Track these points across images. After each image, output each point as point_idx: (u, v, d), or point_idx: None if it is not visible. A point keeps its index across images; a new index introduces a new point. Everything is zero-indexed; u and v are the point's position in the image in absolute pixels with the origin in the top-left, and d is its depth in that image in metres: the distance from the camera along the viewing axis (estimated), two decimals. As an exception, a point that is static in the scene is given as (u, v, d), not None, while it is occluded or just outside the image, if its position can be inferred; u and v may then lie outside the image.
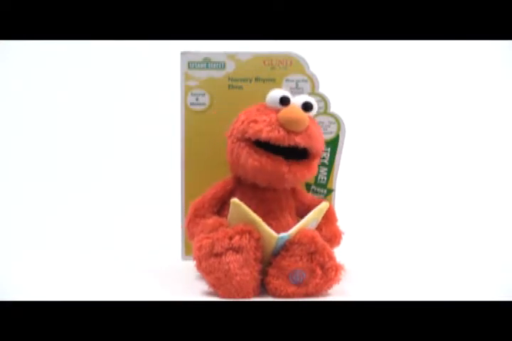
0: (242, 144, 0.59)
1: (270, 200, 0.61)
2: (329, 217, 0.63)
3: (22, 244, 0.76)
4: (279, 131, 0.57)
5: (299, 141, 0.57)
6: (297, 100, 0.60)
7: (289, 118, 0.57)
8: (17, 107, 0.98)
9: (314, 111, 0.61)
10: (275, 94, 0.60)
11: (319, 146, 0.60)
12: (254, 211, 0.56)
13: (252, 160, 0.58)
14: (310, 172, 0.60)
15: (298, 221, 0.61)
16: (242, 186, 0.62)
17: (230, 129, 0.61)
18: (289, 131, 0.57)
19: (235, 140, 0.60)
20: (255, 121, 0.58)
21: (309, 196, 0.66)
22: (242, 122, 0.59)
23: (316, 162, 0.61)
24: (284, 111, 0.58)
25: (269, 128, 0.57)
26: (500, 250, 0.77)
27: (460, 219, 0.89)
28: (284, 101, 0.59)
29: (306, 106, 0.60)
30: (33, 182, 0.95)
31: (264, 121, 0.57)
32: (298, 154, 0.59)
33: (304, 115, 0.58)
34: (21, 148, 0.97)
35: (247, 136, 0.58)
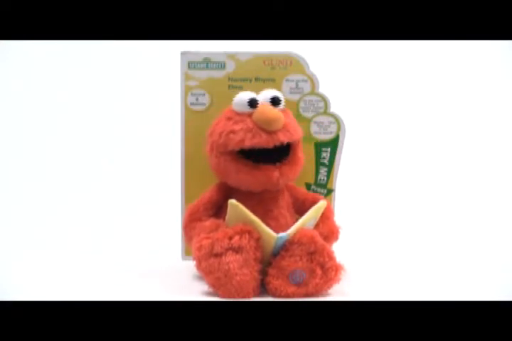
0: (228, 158, 0.58)
1: (267, 200, 0.61)
2: (325, 213, 0.63)
3: (22, 244, 0.76)
4: (261, 135, 0.56)
5: (283, 138, 0.57)
6: (264, 98, 0.59)
7: (266, 120, 0.56)
8: (17, 107, 0.98)
9: (283, 103, 0.60)
10: (242, 97, 0.59)
11: (299, 136, 0.60)
12: (252, 212, 0.56)
13: (244, 175, 0.58)
14: (300, 166, 0.60)
15: (296, 219, 0.61)
16: (237, 189, 0.61)
17: (209, 143, 0.61)
18: (270, 132, 0.57)
19: (218, 154, 0.59)
20: (233, 132, 0.57)
21: (302, 191, 0.65)
22: (220, 135, 0.58)
23: (300, 151, 0.61)
24: (258, 114, 0.57)
25: (250, 135, 0.56)
26: (500, 250, 0.77)
27: (460, 219, 0.89)
28: (253, 103, 0.58)
29: (275, 101, 0.59)
30: (33, 182, 0.95)
31: (242, 129, 0.57)
32: (281, 152, 0.58)
33: (278, 112, 0.57)
34: (21, 148, 0.97)
35: (229, 148, 0.58)
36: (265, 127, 0.57)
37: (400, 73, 0.98)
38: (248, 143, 0.57)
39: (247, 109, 0.58)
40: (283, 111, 0.60)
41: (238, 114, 0.59)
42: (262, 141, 0.56)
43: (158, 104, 0.94)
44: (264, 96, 0.59)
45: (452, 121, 1.00)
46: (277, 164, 0.58)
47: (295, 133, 0.59)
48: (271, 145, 0.57)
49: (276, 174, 0.58)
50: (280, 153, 0.58)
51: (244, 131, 0.57)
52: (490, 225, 0.86)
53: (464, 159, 0.98)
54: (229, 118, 0.59)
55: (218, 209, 0.62)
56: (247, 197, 0.60)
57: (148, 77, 0.96)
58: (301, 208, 0.62)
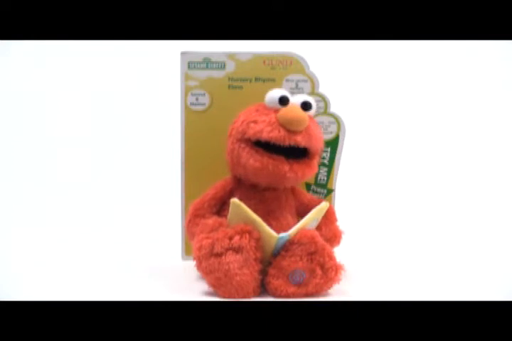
0: (242, 145, 0.59)
1: (270, 200, 0.61)
2: (329, 217, 0.63)
3: (22, 244, 0.76)
4: (279, 131, 0.57)
5: (300, 140, 0.57)
6: (296, 100, 0.60)
7: (290, 118, 0.57)
8: (17, 107, 0.98)
9: (313, 111, 0.61)
10: (274, 94, 0.60)
11: (319, 145, 0.60)
12: (254, 211, 0.56)
13: (253, 161, 0.58)
14: (311, 170, 0.60)
15: (298, 221, 0.61)
16: (242, 186, 0.62)
17: (230, 129, 0.61)
18: (289, 131, 0.57)
19: (234, 140, 0.60)
20: (255, 122, 0.58)
21: (308, 196, 0.66)
22: (242, 123, 0.59)
23: (316, 161, 0.61)
24: (284, 111, 0.57)
25: (269, 128, 0.57)
26: (500, 250, 0.77)
27: (460, 219, 0.89)
28: (284, 101, 0.59)
29: (306, 106, 0.59)
30: (34, 182, 0.95)
31: (264, 121, 0.57)
32: (297, 153, 0.59)
33: (304, 114, 0.58)
34: (21, 148, 0.97)
35: (246, 136, 0.58)
36: (286, 125, 0.57)
37: (400, 73, 0.98)
38: (265, 136, 0.57)
39: (277, 106, 0.59)
40: (311, 117, 0.60)
41: (267, 108, 0.59)
42: (279, 136, 0.56)
43: (158, 104, 0.94)
44: (296, 98, 0.60)
45: (452, 120, 1.00)
46: (290, 160, 0.58)
47: (315, 140, 0.59)
48: (286, 144, 0.57)
49: (286, 167, 0.57)
50: (296, 154, 0.58)
51: (266, 124, 0.57)
52: (490, 225, 0.86)
53: (464, 159, 0.99)
54: (257, 110, 0.59)
55: (222, 206, 0.62)
56: (250, 196, 0.60)
57: (148, 77, 0.96)
58: (305, 213, 0.62)
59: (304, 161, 0.59)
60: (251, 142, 0.58)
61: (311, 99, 0.61)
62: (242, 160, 0.59)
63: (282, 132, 0.57)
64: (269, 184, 0.60)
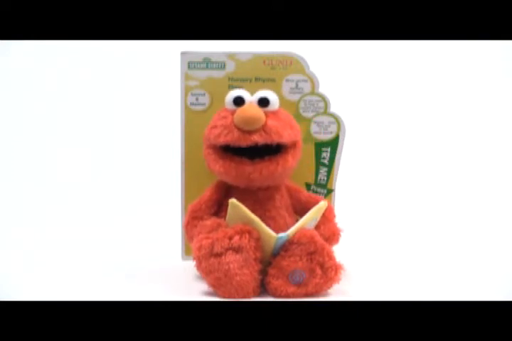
0: (210, 151, 0.59)
1: (264, 200, 0.61)
2: (327, 215, 0.63)
3: (22, 244, 0.76)
4: (234, 133, 0.57)
5: (257, 139, 0.57)
6: (254, 97, 0.60)
7: (241, 119, 0.57)
8: (17, 107, 0.98)
9: (275, 105, 0.60)
10: (230, 95, 0.60)
11: (285, 138, 0.58)
12: (251, 211, 0.56)
13: (219, 167, 0.58)
14: (281, 166, 0.58)
15: (296, 219, 0.61)
16: (234, 188, 0.61)
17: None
18: (244, 131, 0.57)
19: (204, 147, 0.61)
20: (215, 127, 0.59)
21: (305, 193, 0.65)
22: (207, 129, 0.60)
23: (292, 154, 0.59)
24: (237, 112, 0.57)
25: (225, 132, 0.57)
26: (500, 250, 0.77)
27: (460, 218, 0.89)
28: (238, 101, 0.59)
29: (262, 102, 0.59)
30: (34, 182, 0.95)
31: (222, 125, 0.58)
32: (268, 150, 0.58)
33: (257, 112, 0.57)
34: (21, 148, 0.97)
35: (212, 142, 0.59)
36: (240, 126, 0.57)
37: (400, 73, 0.98)
38: (222, 140, 0.57)
39: (233, 107, 0.59)
40: (273, 112, 0.59)
41: (227, 110, 0.60)
42: (234, 138, 0.57)
43: (158, 104, 0.94)
44: (254, 96, 0.60)
45: (452, 121, 1.00)
46: (256, 160, 0.58)
47: (276, 135, 0.57)
48: (243, 145, 0.57)
49: (248, 168, 0.57)
50: (266, 151, 0.58)
51: (223, 128, 0.58)
52: (490, 225, 0.86)
53: (464, 159, 0.98)
54: (219, 114, 0.60)
55: (219, 207, 0.62)
56: (244, 197, 0.60)
57: (148, 77, 0.96)
58: (303, 211, 0.62)
59: (271, 158, 0.58)
60: (217, 147, 0.59)
61: (269, 94, 0.60)
62: (211, 166, 0.60)
63: (237, 134, 0.57)
64: (245, 186, 0.60)
